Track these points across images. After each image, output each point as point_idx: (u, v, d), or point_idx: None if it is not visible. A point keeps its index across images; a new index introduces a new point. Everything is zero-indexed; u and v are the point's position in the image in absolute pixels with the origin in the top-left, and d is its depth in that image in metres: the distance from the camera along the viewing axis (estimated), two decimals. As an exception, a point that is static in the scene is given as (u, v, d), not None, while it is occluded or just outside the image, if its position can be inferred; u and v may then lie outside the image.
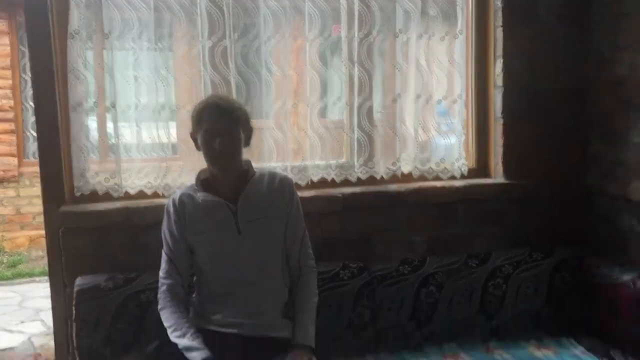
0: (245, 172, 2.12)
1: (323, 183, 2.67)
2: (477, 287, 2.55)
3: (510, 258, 2.61)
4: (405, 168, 2.74)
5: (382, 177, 2.70)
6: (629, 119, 2.55)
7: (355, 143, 2.68)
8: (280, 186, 2.15)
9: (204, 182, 2.12)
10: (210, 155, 2.04)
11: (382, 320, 2.48)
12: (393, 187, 2.68)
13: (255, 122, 2.21)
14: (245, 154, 2.17)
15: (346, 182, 2.69)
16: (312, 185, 2.65)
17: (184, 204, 2.09)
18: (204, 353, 1.92)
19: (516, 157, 2.76)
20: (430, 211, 2.70)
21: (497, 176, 2.80)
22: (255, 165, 2.21)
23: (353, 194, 2.62)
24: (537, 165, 2.76)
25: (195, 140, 2.09)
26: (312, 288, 2.18)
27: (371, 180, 2.71)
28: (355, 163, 2.69)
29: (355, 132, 2.67)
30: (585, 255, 2.62)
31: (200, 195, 2.08)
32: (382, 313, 2.48)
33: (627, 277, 2.33)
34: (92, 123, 2.49)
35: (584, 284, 2.54)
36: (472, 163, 2.86)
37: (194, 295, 2.17)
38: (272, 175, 2.17)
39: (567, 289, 2.60)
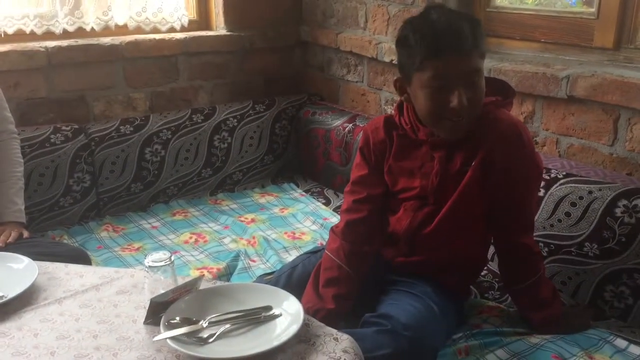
0: None
1: (20, 36, 2.31)
2: (203, 142, 2.55)
3: (234, 111, 2.63)
4: (119, 19, 2.48)
5: (92, 29, 2.42)
6: (340, -30, 2.64)
7: (57, -11, 2.33)
8: (-43, 37, 1.78)
9: None
10: None
11: (105, 184, 2.36)
12: (106, 40, 2.43)
13: None
14: None
15: (50, 35, 2.36)
16: (6, 38, 2.27)
17: None
18: None
19: (236, 9, 2.70)
20: (150, 66, 2.55)
21: (219, 28, 2.73)
22: None
23: (59, 48, 2.32)
24: (256, 17, 2.75)
25: None
26: (15, 156, 1.93)
27: (80, 32, 2.42)
28: (59, 12, 2.35)
29: (56, -26, 2.31)
30: (303, 104, 2.77)
31: None
32: (104, 176, 2.35)
33: (337, 123, 2.53)
34: None
35: (302, 131, 2.70)
36: (192, 14, 2.73)
37: None
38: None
39: (286, 137, 2.75)
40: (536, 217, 1.66)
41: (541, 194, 1.69)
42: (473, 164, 1.41)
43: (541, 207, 1.69)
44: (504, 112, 1.45)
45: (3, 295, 1.29)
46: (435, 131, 1.44)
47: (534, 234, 1.54)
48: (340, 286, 1.47)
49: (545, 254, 1.68)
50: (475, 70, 1.35)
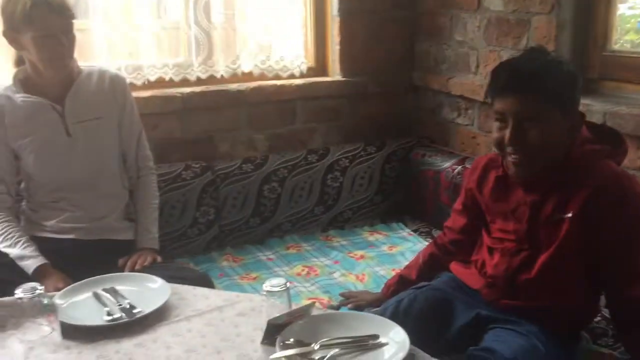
0: (70, 70, 1.98)
1: (161, 83, 2.59)
2: (317, 180, 2.69)
3: (346, 152, 2.76)
4: (246, 67, 2.72)
5: (222, 76, 2.67)
6: (451, 18, 2.71)
7: (194, 40, 2.60)
8: (112, 85, 2.04)
9: (23, 81, 1.95)
10: (46, 60, 1.86)
11: (227, 218, 2.55)
12: (233, 86, 2.67)
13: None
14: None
15: (185, 82, 2.62)
16: (148, 85, 2.55)
17: (2, 107, 1.92)
18: (38, 260, 1.85)
19: (352, 56, 2.85)
20: (271, 109, 2.74)
21: (335, 74, 2.89)
22: (83, 64, 2.07)
23: (193, 94, 2.57)
24: (370, 63, 2.88)
25: (12, 39, 1.88)
26: (152, 189, 2.15)
27: (211, 79, 2.67)
28: (194, 62, 2.62)
29: (193, 29, 2.58)
30: (413, 147, 2.84)
31: (19, 97, 1.92)
32: (227, 210, 2.54)
33: (447, 165, 2.57)
34: None
35: (411, 173, 2.77)
36: (311, 61, 2.92)
37: (23, 203, 2.05)
38: (102, 74, 2.05)
39: (396, 178, 2.83)
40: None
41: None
42: (570, 214, 1.41)
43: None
44: (607, 163, 1.43)
45: (141, 310, 1.45)
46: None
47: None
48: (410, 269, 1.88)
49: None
50: (529, 111, 1.38)
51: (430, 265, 1.85)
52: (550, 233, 1.45)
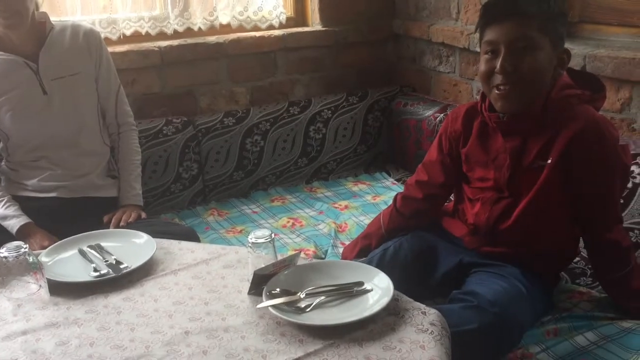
0: (42, 26, 1.93)
1: (137, 37, 2.53)
2: (299, 132, 2.68)
3: (328, 103, 2.74)
4: (223, 18, 2.66)
5: (199, 29, 2.62)
6: (432, -37, 2.67)
7: (168, -8, 2.54)
8: (86, 40, 1.99)
9: (-4, 39, 1.90)
10: None
11: (210, 172, 2.54)
12: (212, 38, 2.62)
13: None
14: (45, 8, 1.98)
15: (162, 36, 2.57)
16: (124, 39, 2.50)
17: None
18: (22, 220, 1.85)
19: (331, 5, 2.81)
20: (251, 61, 2.71)
21: (315, 24, 2.85)
22: (56, 20, 2.02)
23: (171, 47, 2.52)
24: (350, 12, 2.84)
25: None
26: (134, 145, 2.13)
27: (189, 32, 2.61)
28: (171, 14, 2.56)
29: (167, -21, 2.52)
30: (395, 96, 2.83)
31: (-8, 54, 1.87)
32: (210, 165, 2.53)
33: (429, 113, 2.57)
34: None
35: (394, 122, 2.77)
36: (290, 12, 2.86)
37: (2, 163, 2.02)
38: (76, 29, 2.00)
39: (379, 128, 2.83)
40: (631, 205, 1.64)
41: (638, 180, 1.67)
42: (549, 161, 1.42)
43: (637, 193, 1.67)
44: (586, 108, 1.44)
45: (127, 266, 1.46)
46: (492, 102, 1.47)
47: (627, 223, 1.53)
48: (370, 239, 1.78)
49: (640, 241, 1.65)
50: (524, 37, 1.37)
51: (394, 234, 1.73)
52: (530, 180, 1.46)
